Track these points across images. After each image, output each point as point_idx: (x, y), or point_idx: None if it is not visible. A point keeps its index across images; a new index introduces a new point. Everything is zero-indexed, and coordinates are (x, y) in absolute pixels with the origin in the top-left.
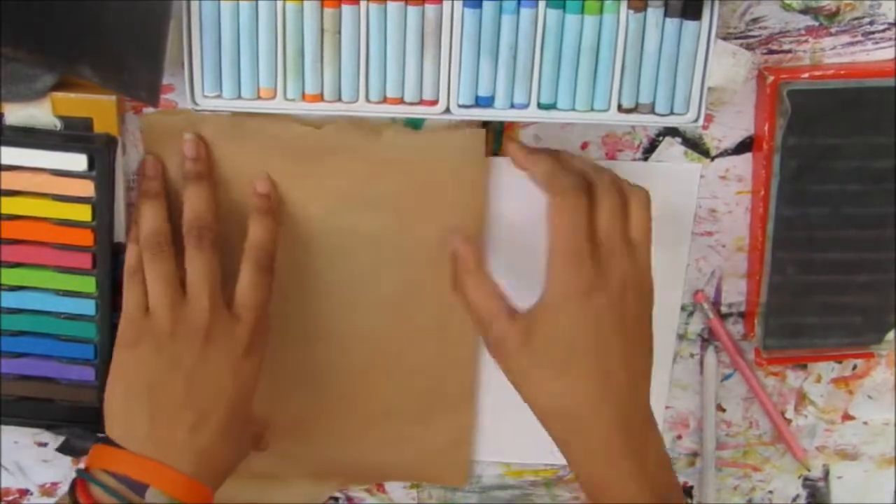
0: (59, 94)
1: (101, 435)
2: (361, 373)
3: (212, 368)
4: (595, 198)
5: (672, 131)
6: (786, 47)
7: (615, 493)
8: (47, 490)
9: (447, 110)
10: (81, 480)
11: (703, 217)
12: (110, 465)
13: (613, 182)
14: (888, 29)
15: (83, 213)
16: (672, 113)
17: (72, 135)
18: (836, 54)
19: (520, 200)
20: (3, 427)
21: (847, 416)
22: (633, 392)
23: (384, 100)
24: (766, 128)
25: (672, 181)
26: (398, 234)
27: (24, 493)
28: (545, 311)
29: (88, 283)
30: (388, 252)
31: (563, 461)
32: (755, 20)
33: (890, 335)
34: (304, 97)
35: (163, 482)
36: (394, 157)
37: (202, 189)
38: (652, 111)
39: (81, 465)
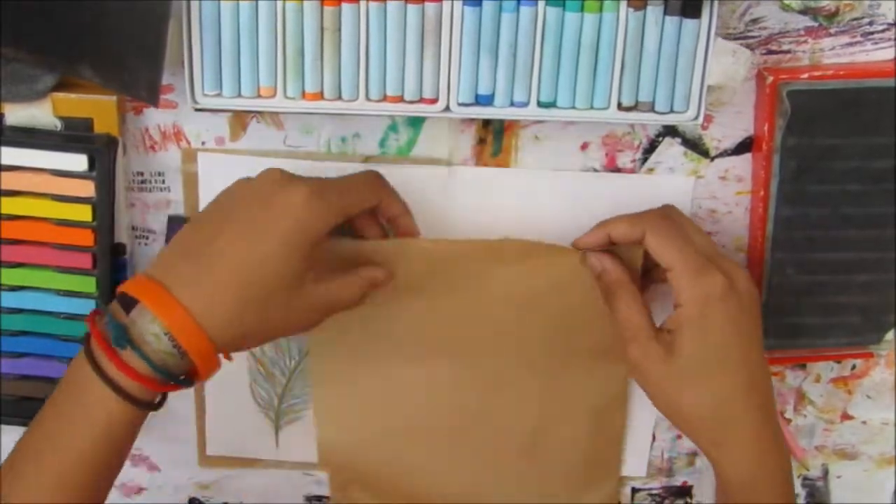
0: (59, 95)
1: None
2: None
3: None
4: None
5: (672, 131)
6: (785, 48)
7: (766, 489)
8: None
9: (447, 108)
10: (93, 310)
11: (702, 217)
12: (126, 287)
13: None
14: (887, 29)
15: (83, 213)
16: (672, 111)
17: (72, 135)
18: (836, 55)
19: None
20: (3, 427)
21: (846, 416)
22: (770, 386)
23: (384, 98)
24: (766, 128)
25: (667, 192)
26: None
27: None
28: (685, 321)
29: (89, 283)
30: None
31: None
32: (755, 21)
33: (889, 335)
34: (304, 95)
35: (152, 300)
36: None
37: None
38: (652, 109)
39: None
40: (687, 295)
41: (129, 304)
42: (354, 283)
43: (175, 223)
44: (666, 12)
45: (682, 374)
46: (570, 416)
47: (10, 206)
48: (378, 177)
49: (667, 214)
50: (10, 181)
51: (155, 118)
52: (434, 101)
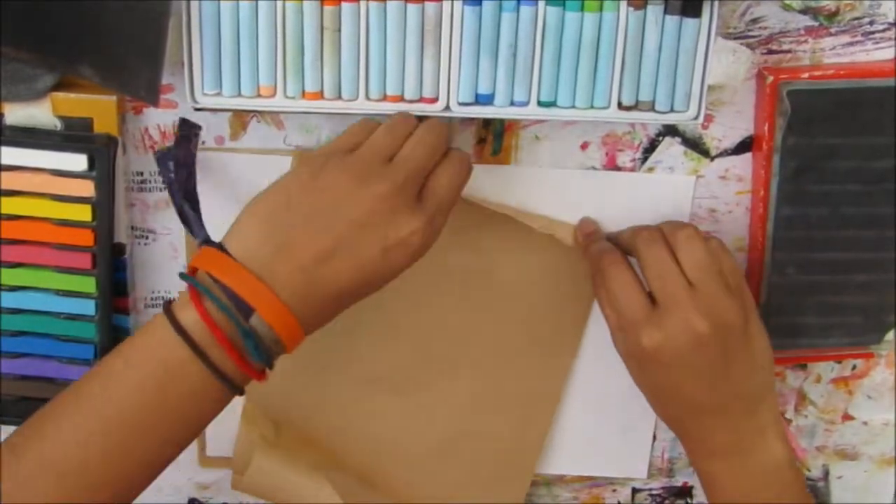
0: (59, 94)
1: (208, 239)
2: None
3: (342, 217)
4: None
5: (672, 131)
6: (785, 47)
7: (752, 452)
8: None
9: (447, 108)
10: (194, 290)
11: (702, 217)
12: (222, 274)
13: (650, 237)
14: (888, 29)
15: (83, 213)
16: (672, 110)
17: (72, 135)
18: (836, 54)
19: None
20: (3, 427)
21: (847, 416)
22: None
23: (384, 97)
24: (766, 128)
25: (667, 192)
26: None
27: None
28: (674, 311)
29: (88, 284)
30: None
31: (556, 469)
32: (755, 20)
33: (889, 335)
34: (303, 95)
35: (270, 313)
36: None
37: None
38: (652, 109)
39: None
40: (669, 321)
41: (239, 304)
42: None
43: (165, 158)
44: (666, 11)
45: (662, 349)
46: (498, 413)
47: (10, 205)
48: (442, 136)
49: (651, 238)
50: (10, 181)
51: (155, 118)
52: (434, 100)
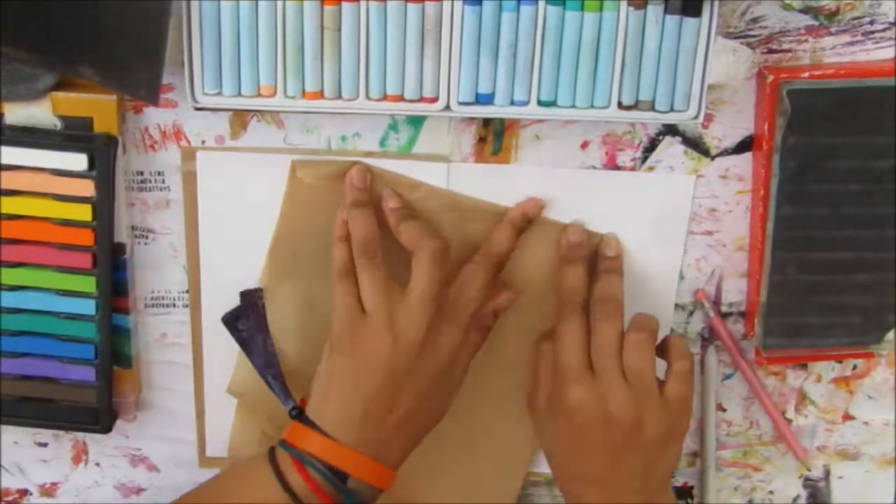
0: (59, 94)
1: (299, 411)
2: None
3: (423, 374)
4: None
5: (672, 130)
6: (786, 47)
7: None
8: (47, 490)
9: (447, 107)
10: (298, 461)
11: (703, 216)
12: (322, 453)
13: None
14: (888, 28)
15: (83, 212)
16: (672, 110)
17: (72, 134)
18: (836, 54)
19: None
20: (3, 427)
21: (847, 416)
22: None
23: (384, 97)
24: (766, 127)
25: (668, 191)
26: None
27: (24, 493)
28: (606, 383)
29: (89, 283)
30: None
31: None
32: (755, 20)
33: (890, 335)
34: (304, 94)
35: (366, 474)
36: None
37: (363, 214)
38: (652, 108)
39: (82, 465)
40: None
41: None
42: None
43: (232, 322)
44: (666, 11)
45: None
46: (488, 410)
47: (10, 205)
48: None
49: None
50: (10, 181)
51: (155, 117)
52: (434, 100)
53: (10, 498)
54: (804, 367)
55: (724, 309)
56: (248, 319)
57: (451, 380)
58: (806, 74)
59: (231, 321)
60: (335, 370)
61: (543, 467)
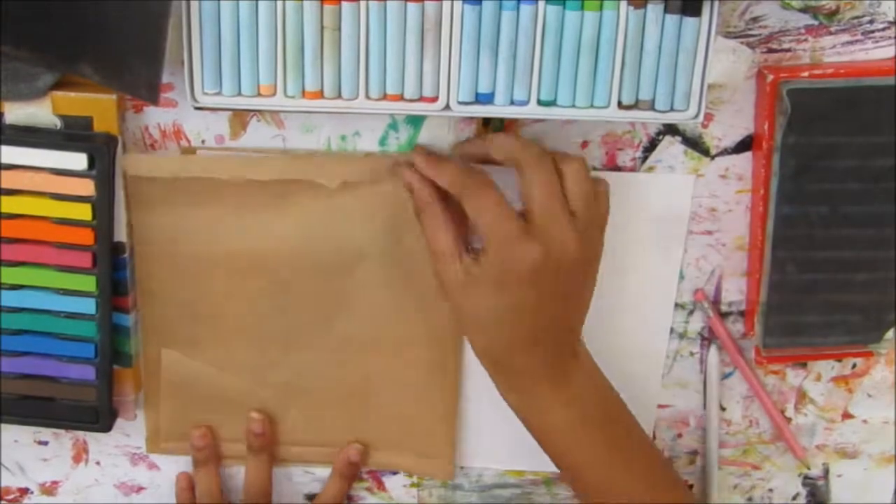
0: (59, 93)
1: None
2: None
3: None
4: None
5: (672, 130)
6: (785, 46)
7: (543, 418)
8: (47, 489)
9: (447, 107)
10: None
11: (703, 216)
12: None
13: (542, 156)
14: (888, 28)
15: (83, 212)
16: (672, 109)
17: (72, 134)
18: (836, 53)
19: None
20: (4, 426)
21: (847, 415)
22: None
23: (384, 96)
24: (766, 126)
25: (667, 191)
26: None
27: (25, 491)
28: (484, 266)
29: (89, 282)
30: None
31: (555, 468)
32: (755, 19)
33: (889, 334)
34: (304, 94)
35: None
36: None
37: (263, 462)
38: (652, 108)
39: (83, 464)
40: (492, 249)
41: None
42: None
43: None
44: (666, 10)
45: (475, 290)
46: (401, 356)
47: (10, 204)
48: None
49: (544, 162)
50: (10, 180)
51: (155, 117)
52: (434, 99)
53: (10, 496)
54: (804, 365)
55: (723, 308)
56: None
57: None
58: (806, 74)
59: None
60: None
61: (544, 467)
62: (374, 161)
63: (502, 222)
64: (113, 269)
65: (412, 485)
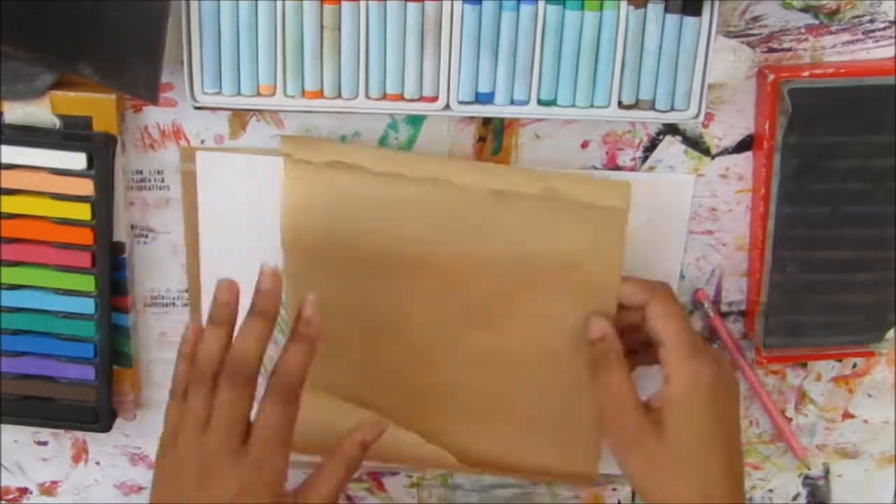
0: (58, 93)
1: None
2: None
3: (210, 499)
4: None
5: (672, 130)
6: (786, 46)
7: None
8: (47, 489)
9: (447, 107)
10: None
11: (703, 216)
12: None
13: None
14: (888, 27)
15: (82, 211)
16: (672, 109)
17: (71, 133)
18: (837, 53)
19: None
20: (3, 426)
21: (847, 415)
22: (743, 477)
23: (384, 96)
24: (767, 126)
25: (668, 191)
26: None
27: (24, 491)
28: (675, 399)
29: (88, 282)
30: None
31: None
32: (755, 18)
33: (890, 334)
34: (303, 94)
35: None
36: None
37: (259, 325)
38: (652, 107)
39: (82, 464)
40: (678, 373)
41: None
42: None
43: None
44: (666, 10)
45: (669, 453)
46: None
47: (9, 204)
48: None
49: (670, 290)
50: (9, 180)
51: (154, 116)
52: (434, 99)
53: (10, 496)
54: (804, 366)
55: (723, 308)
56: None
57: None
58: (806, 73)
59: None
60: (155, 474)
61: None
62: (523, 173)
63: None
64: (112, 268)
65: (412, 485)
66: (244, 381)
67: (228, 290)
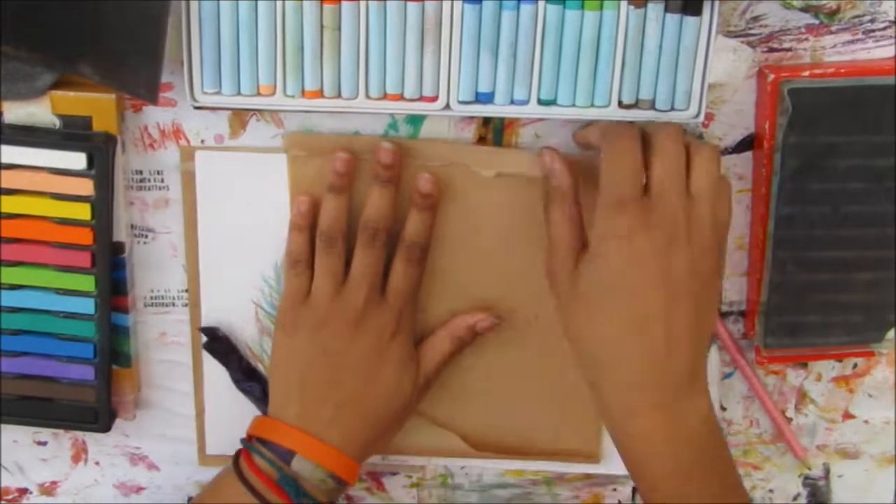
0: (58, 93)
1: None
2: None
3: (359, 352)
4: (651, 150)
5: None
6: (786, 45)
7: (638, 446)
8: (46, 489)
9: (447, 106)
10: (245, 449)
11: None
12: (265, 433)
13: (672, 134)
14: (888, 27)
15: (82, 211)
16: (673, 109)
17: (71, 133)
18: (837, 52)
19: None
20: (3, 426)
21: (847, 415)
22: (669, 348)
23: (384, 96)
24: (767, 126)
25: None
26: None
27: (24, 492)
28: (590, 254)
29: (88, 282)
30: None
31: (556, 467)
32: (755, 18)
33: (890, 333)
34: (303, 93)
35: (309, 450)
36: None
37: (388, 193)
38: (652, 107)
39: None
40: (594, 228)
41: (281, 453)
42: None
43: (211, 350)
44: (667, 10)
45: (577, 297)
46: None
47: (9, 204)
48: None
49: (630, 142)
50: (9, 179)
51: (154, 116)
52: (434, 98)
53: (9, 497)
54: (804, 366)
55: (723, 308)
56: (216, 353)
57: (394, 362)
58: (807, 73)
59: (208, 347)
60: (276, 350)
61: (547, 467)
62: (529, 154)
63: (624, 181)
64: (112, 268)
65: (412, 485)
66: (381, 241)
67: (348, 163)
